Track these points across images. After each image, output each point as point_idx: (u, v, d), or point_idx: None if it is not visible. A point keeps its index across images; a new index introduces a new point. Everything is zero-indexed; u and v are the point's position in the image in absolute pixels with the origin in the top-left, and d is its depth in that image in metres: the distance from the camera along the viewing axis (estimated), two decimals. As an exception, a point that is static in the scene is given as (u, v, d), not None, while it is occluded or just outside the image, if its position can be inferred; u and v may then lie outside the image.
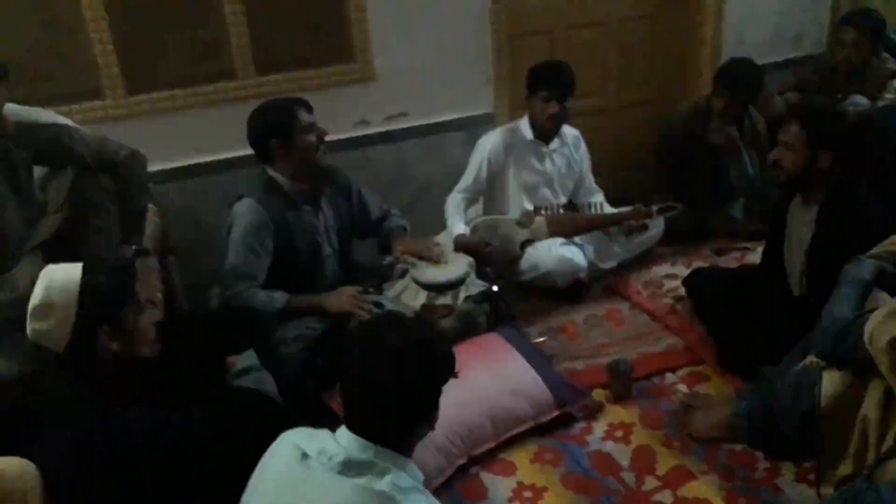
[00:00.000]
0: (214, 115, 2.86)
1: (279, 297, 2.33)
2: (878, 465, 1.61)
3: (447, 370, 1.41)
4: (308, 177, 2.41)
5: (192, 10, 2.78)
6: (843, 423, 1.81)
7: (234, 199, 2.37)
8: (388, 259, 2.65)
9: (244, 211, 2.32)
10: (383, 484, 1.29)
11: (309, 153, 2.34)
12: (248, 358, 1.85)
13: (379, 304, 2.36)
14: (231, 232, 2.33)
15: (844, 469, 1.82)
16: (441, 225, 3.00)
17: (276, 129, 2.31)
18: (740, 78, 3.20)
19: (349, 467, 1.31)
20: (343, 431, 1.37)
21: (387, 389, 1.33)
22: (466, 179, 3.00)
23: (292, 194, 2.39)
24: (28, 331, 1.55)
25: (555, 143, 3.06)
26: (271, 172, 2.38)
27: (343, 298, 2.34)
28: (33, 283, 1.60)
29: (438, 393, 1.40)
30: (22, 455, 1.49)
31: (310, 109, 2.36)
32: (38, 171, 2.13)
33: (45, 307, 1.53)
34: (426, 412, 1.40)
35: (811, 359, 1.92)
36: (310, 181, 2.42)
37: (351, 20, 2.98)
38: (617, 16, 3.65)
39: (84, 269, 1.57)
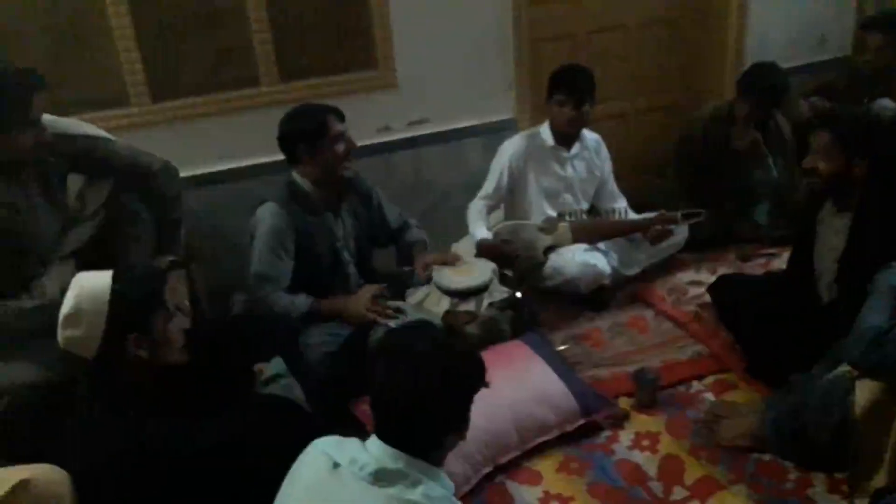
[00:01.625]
0: (238, 122, 2.87)
1: (303, 301, 2.34)
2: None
3: (477, 380, 1.41)
4: (330, 185, 2.42)
5: (217, 18, 2.79)
6: (877, 433, 1.79)
7: (258, 204, 2.38)
8: (408, 268, 2.65)
9: (266, 215, 2.33)
10: (416, 494, 1.28)
11: (335, 163, 2.35)
12: (276, 365, 1.86)
13: (399, 311, 2.35)
14: (254, 236, 2.35)
15: (879, 480, 1.80)
16: (461, 231, 2.99)
17: (305, 134, 2.32)
18: (764, 83, 3.17)
19: (381, 477, 1.30)
20: (374, 440, 1.36)
21: (416, 399, 1.33)
22: (488, 186, 2.99)
23: (315, 200, 2.39)
24: (59, 338, 1.57)
25: (575, 148, 3.04)
26: (296, 176, 2.40)
27: (363, 305, 2.34)
28: (63, 291, 1.62)
29: (469, 403, 1.39)
30: (53, 462, 1.49)
31: (342, 118, 2.37)
32: (77, 180, 2.17)
33: (76, 314, 1.55)
34: (457, 422, 1.39)
35: (844, 368, 1.89)
36: (332, 189, 2.43)
37: (374, 27, 2.98)
38: (639, 20, 3.63)
39: (114, 277, 1.58)
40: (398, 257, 2.74)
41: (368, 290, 2.39)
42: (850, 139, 2.19)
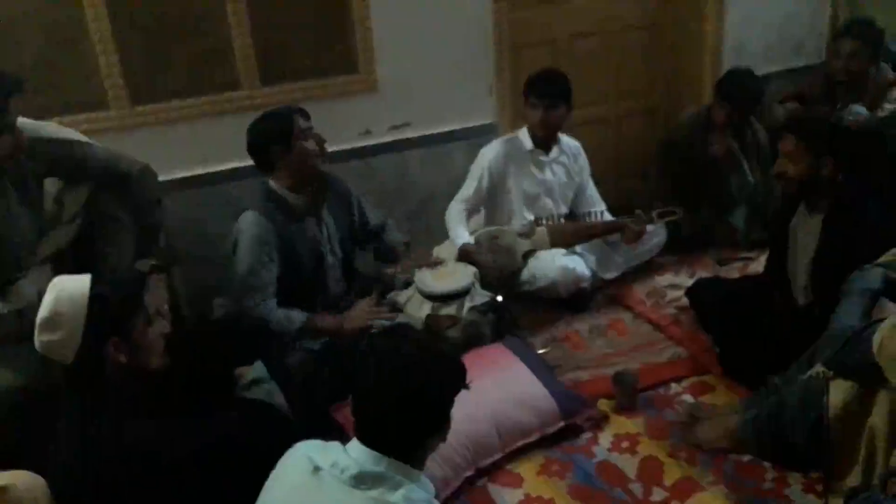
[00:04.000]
0: (219, 125, 2.85)
1: (297, 317, 2.33)
2: (892, 476, 1.61)
3: (458, 382, 1.42)
4: (308, 185, 2.40)
5: (196, 21, 2.78)
6: (851, 433, 1.81)
7: (238, 213, 2.36)
8: (391, 269, 2.65)
9: (248, 225, 2.31)
10: (397, 497, 1.29)
11: (308, 159, 2.34)
12: (257, 370, 1.85)
13: (395, 306, 2.36)
14: (237, 246, 2.33)
15: (853, 480, 1.82)
16: (444, 234, 3.00)
17: (275, 135, 2.31)
18: (740, 89, 3.21)
19: (362, 480, 1.31)
20: (355, 444, 1.36)
21: (398, 402, 1.33)
22: (467, 189, 2.99)
23: (294, 205, 2.38)
24: (36, 343, 1.55)
25: (554, 153, 3.06)
26: (272, 184, 2.38)
27: (360, 315, 2.34)
28: (40, 295, 1.60)
29: (450, 405, 1.40)
30: (30, 468, 1.48)
31: (307, 117, 2.37)
32: (54, 184, 2.15)
33: (54, 318, 1.53)
34: (438, 424, 1.40)
35: (818, 368, 1.92)
36: (310, 190, 2.41)
37: (355, 31, 2.98)
38: (618, 25, 3.66)
39: (93, 281, 1.57)
40: (378, 256, 2.74)
41: (361, 307, 2.39)
42: (814, 141, 2.23)
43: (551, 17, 3.49)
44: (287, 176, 2.36)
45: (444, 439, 1.43)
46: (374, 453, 1.33)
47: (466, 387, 1.42)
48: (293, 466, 1.38)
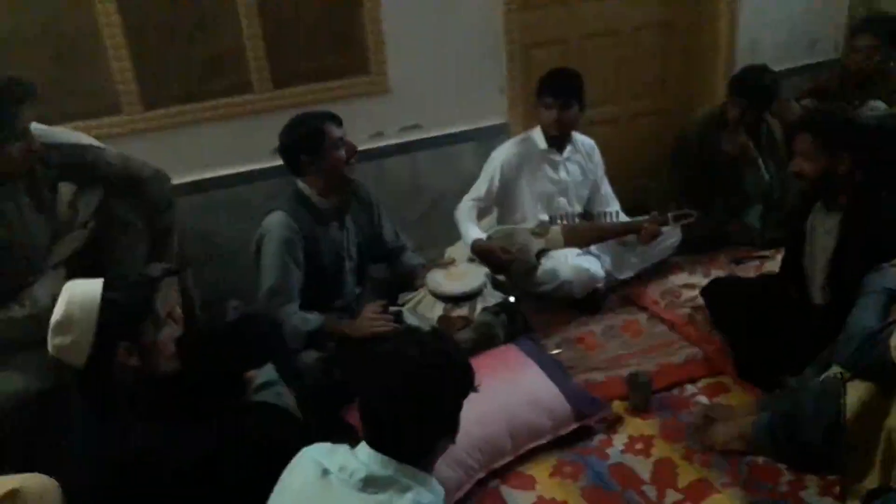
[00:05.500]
0: (231, 129, 2.87)
1: (314, 319, 2.33)
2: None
3: (466, 384, 1.41)
4: (336, 191, 2.41)
5: (209, 24, 2.79)
6: (868, 435, 1.80)
7: (266, 212, 2.36)
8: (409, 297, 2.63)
9: (276, 226, 2.31)
10: (405, 501, 1.28)
11: (337, 168, 2.35)
12: (267, 373, 1.85)
13: (399, 315, 2.36)
14: (262, 246, 2.33)
15: (870, 482, 1.80)
16: (456, 235, 2.99)
17: (305, 144, 2.32)
18: (755, 86, 3.18)
19: (370, 484, 1.30)
20: (363, 447, 1.36)
21: (406, 405, 1.33)
22: (478, 189, 2.98)
23: (321, 209, 2.39)
24: (49, 346, 1.56)
25: (567, 152, 3.05)
26: (301, 186, 2.39)
27: (362, 325, 2.33)
28: (54, 299, 1.61)
29: (458, 407, 1.39)
30: (43, 471, 1.49)
31: (339, 123, 2.37)
32: (68, 189, 2.16)
33: (66, 322, 1.54)
34: (446, 427, 1.39)
35: (835, 369, 1.90)
36: (338, 196, 2.43)
37: (366, 32, 2.98)
38: (630, 24, 3.63)
39: (105, 285, 1.58)
40: (395, 278, 2.73)
41: (369, 309, 2.38)
42: (829, 138, 2.21)
43: (563, 17, 3.47)
44: (316, 180, 2.37)
45: (453, 442, 1.41)
46: (382, 457, 1.32)
47: (475, 389, 1.41)
48: (301, 470, 1.38)
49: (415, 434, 1.35)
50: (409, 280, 2.67)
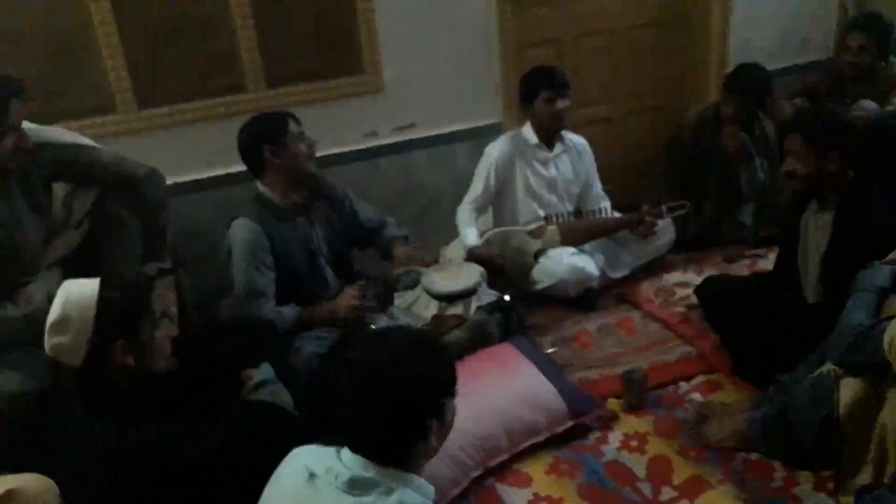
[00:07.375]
0: (225, 129, 2.83)
1: (289, 312, 2.35)
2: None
3: (436, 389, 1.35)
4: (299, 186, 2.42)
5: (203, 25, 2.79)
6: (861, 431, 1.81)
7: (229, 220, 2.37)
8: (396, 271, 2.65)
9: (239, 231, 2.33)
10: (390, 502, 1.26)
11: (300, 159, 2.37)
12: (263, 371, 1.85)
13: (383, 297, 2.41)
14: (231, 254, 2.34)
15: (863, 478, 1.82)
16: (451, 234, 3.00)
17: (267, 135, 2.34)
18: (750, 83, 3.21)
19: (355, 486, 1.28)
20: (346, 450, 1.34)
21: (367, 409, 1.30)
22: (476, 189, 3.00)
23: (284, 207, 2.40)
24: (46, 346, 1.56)
25: (557, 148, 3.06)
26: (261, 188, 2.40)
27: (342, 302, 2.38)
28: (49, 299, 1.62)
29: (436, 406, 1.35)
30: (40, 471, 1.49)
31: (298, 122, 2.40)
32: (62, 188, 2.16)
33: (63, 322, 1.54)
34: (423, 427, 1.33)
35: (828, 366, 1.91)
36: (301, 192, 2.43)
37: (360, 32, 2.99)
38: (623, 24, 3.65)
39: (101, 284, 1.58)
40: (379, 253, 2.75)
41: (349, 291, 2.42)
42: (819, 138, 2.23)
43: (556, 16, 3.48)
44: (278, 178, 2.38)
45: (438, 445, 1.37)
46: (364, 459, 1.30)
47: (452, 394, 1.37)
48: (291, 473, 1.36)
49: (385, 438, 1.31)
50: (388, 251, 2.68)
